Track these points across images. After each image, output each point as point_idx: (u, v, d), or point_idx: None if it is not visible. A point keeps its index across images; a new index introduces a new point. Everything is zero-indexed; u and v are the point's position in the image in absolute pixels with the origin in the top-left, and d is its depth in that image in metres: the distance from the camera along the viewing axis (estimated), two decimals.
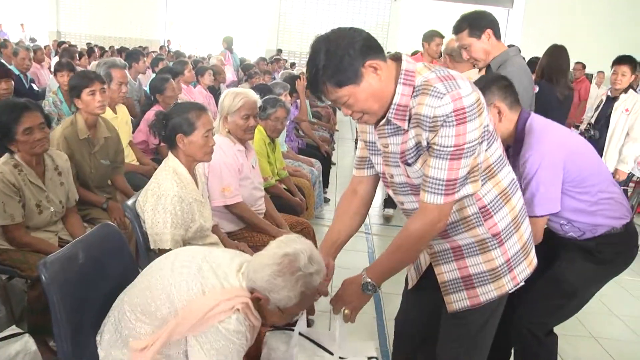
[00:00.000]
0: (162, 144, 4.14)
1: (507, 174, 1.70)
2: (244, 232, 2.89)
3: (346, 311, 1.73)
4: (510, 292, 1.76)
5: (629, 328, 3.55)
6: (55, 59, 9.54)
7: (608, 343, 3.28)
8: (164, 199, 2.19)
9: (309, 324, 3.08)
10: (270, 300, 1.59)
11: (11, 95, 3.71)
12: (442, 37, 4.85)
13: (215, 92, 6.38)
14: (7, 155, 2.48)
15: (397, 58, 1.55)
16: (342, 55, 1.43)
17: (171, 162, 2.31)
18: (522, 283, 1.77)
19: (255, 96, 3.01)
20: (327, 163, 5.71)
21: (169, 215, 2.18)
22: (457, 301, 1.76)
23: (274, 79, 7.80)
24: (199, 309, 1.55)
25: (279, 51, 15.65)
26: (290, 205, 3.61)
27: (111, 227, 2.06)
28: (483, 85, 2.00)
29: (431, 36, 4.88)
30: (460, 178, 1.51)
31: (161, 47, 13.96)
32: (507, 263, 1.72)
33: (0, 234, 2.49)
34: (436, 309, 1.87)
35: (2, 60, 6.40)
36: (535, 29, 14.08)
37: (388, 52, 1.64)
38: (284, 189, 3.78)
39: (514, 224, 1.71)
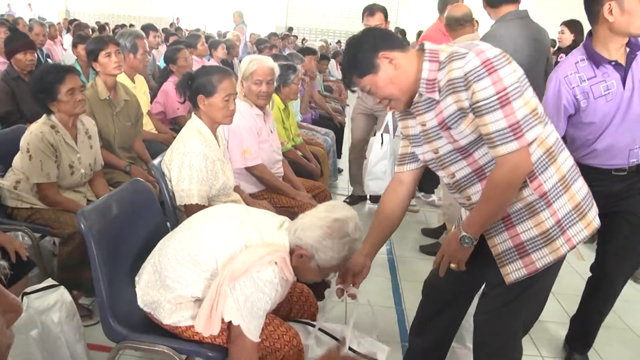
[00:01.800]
0: (180, 115, 4.26)
1: (551, 131, 1.69)
2: (264, 193, 2.98)
3: (452, 265, 1.83)
4: (565, 255, 1.74)
5: None
6: (67, 37, 9.62)
7: None
8: (190, 157, 2.28)
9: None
10: (315, 258, 1.70)
11: (34, 67, 3.79)
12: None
13: (229, 65, 6.43)
14: (44, 116, 2.60)
15: (421, 49, 1.68)
16: (358, 50, 1.68)
17: (195, 122, 2.39)
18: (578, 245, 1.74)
19: (270, 63, 3.04)
20: (340, 133, 5.77)
21: (195, 172, 2.27)
22: (514, 271, 1.77)
23: (282, 52, 7.84)
24: (243, 262, 1.65)
25: (290, 29, 15.69)
26: (306, 170, 3.70)
27: (141, 183, 2.15)
28: None
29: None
30: (521, 119, 1.54)
31: (171, 25, 13.97)
32: (558, 224, 1.71)
33: (33, 194, 2.60)
34: (468, 276, 1.92)
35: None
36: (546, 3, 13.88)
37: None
38: (300, 155, 3.86)
39: (561, 184, 1.70)
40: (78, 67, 4.59)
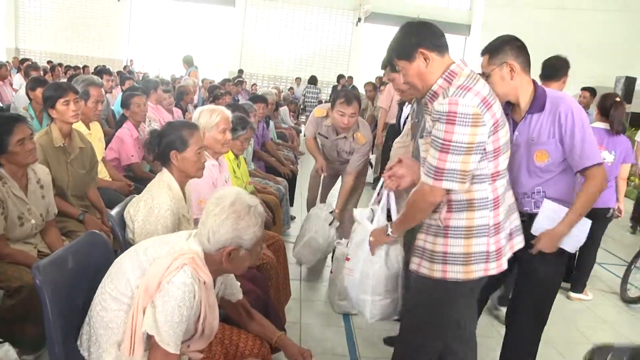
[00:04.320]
0: (134, 162, 4.26)
1: (484, 189, 2.00)
2: None
3: (371, 238, 2.37)
4: (437, 279, 2.08)
5: None
6: (17, 77, 9.43)
7: None
8: (157, 211, 2.30)
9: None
10: (242, 246, 1.77)
11: None
12: None
13: (183, 111, 6.44)
14: None
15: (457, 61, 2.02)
16: (405, 36, 2.00)
17: (165, 177, 2.42)
18: (448, 280, 2.07)
19: (228, 112, 3.16)
20: (292, 182, 5.85)
21: (160, 227, 2.29)
22: (412, 263, 2.20)
23: (236, 100, 7.91)
24: (153, 276, 1.68)
25: (240, 72, 15.67)
26: None
27: (98, 235, 2.15)
28: (496, 46, 2.29)
29: None
30: (447, 170, 1.89)
31: (125, 67, 13.92)
32: (443, 254, 2.07)
33: None
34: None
35: None
36: None
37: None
38: None
39: (464, 232, 2.03)
40: (31, 111, 4.54)
